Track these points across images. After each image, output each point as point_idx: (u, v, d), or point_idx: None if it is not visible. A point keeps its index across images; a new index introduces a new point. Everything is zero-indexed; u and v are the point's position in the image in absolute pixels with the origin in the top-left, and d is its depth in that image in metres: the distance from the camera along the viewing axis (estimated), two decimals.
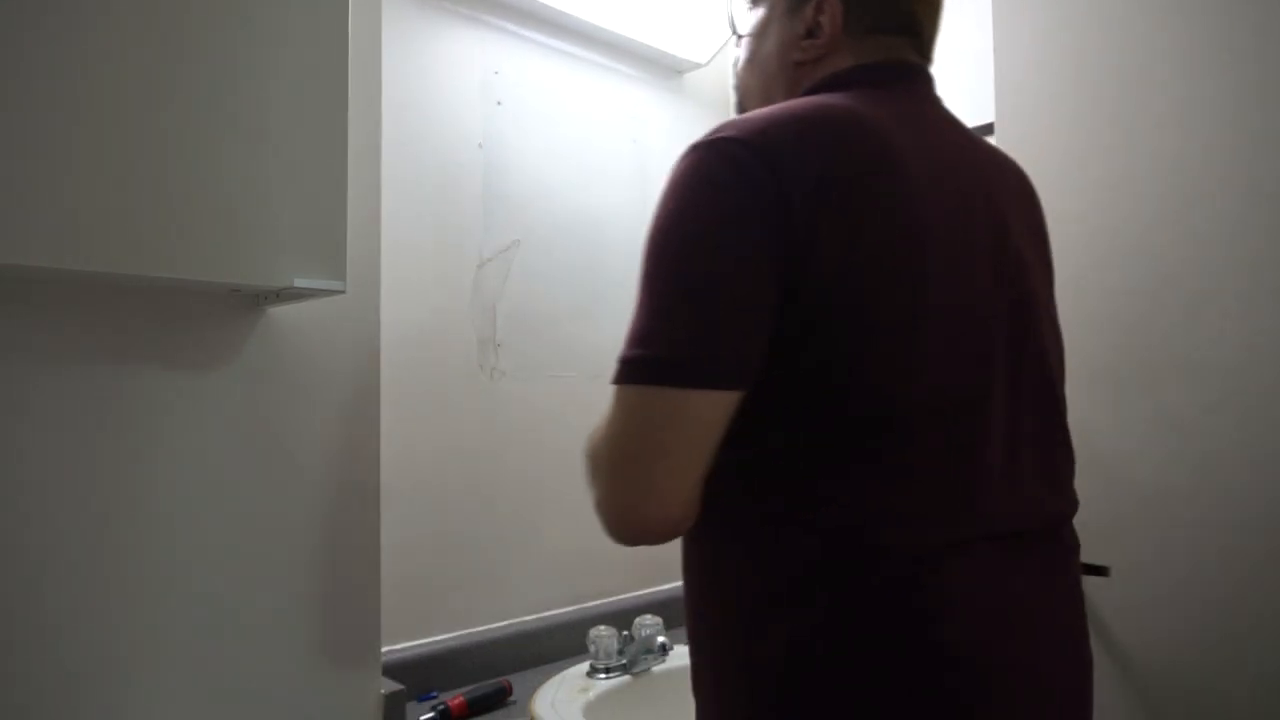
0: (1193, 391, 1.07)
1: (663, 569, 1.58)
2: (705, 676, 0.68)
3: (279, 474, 0.89)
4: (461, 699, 1.17)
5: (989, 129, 1.28)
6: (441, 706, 1.14)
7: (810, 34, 0.74)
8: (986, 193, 0.68)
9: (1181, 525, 1.07)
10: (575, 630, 1.40)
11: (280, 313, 0.90)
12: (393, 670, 1.14)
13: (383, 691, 0.97)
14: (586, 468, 0.66)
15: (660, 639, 1.30)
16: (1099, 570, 1.11)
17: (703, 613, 0.69)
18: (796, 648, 0.60)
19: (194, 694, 0.83)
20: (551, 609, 1.45)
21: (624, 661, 1.28)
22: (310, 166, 0.82)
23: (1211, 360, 1.05)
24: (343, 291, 0.84)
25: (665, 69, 1.71)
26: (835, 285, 0.59)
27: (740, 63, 0.83)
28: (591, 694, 1.21)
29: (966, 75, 1.35)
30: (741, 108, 0.84)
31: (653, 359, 0.60)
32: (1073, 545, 0.72)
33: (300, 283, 0.80)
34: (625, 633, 1.31)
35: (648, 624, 1.31)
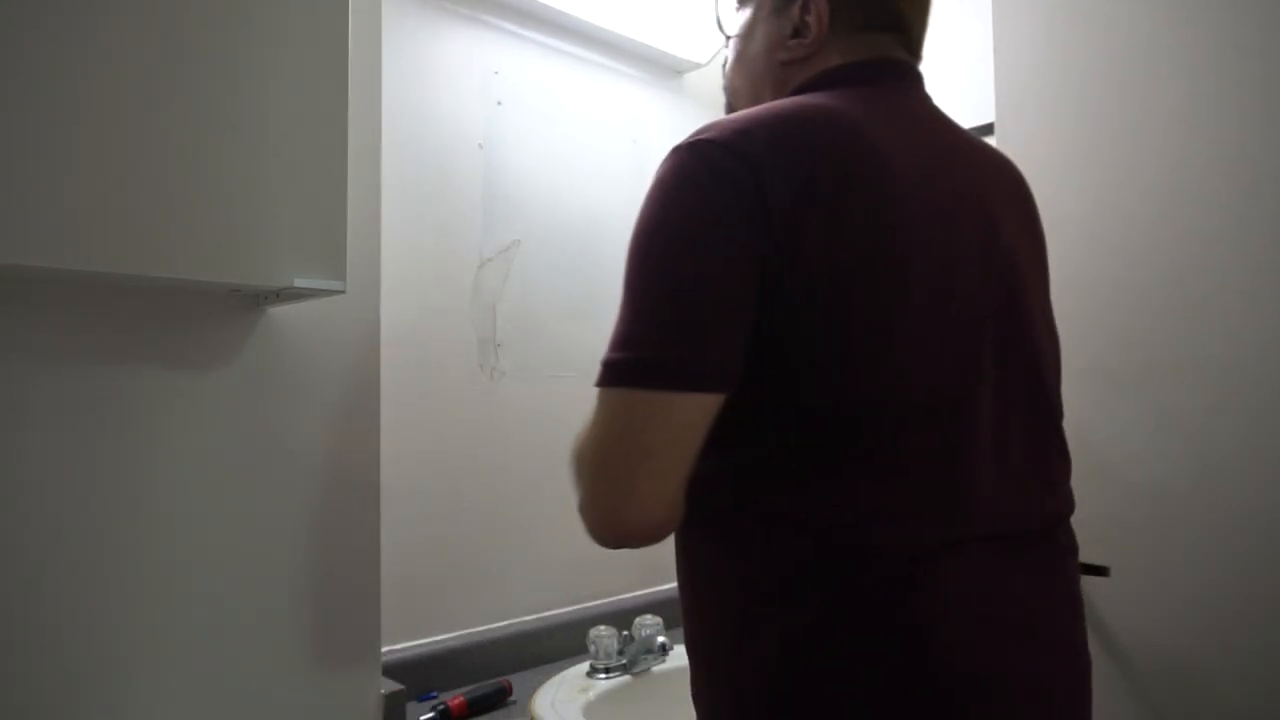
0: (1193, 391, 1.07)
1: (663, 569, 1.57)
2: (701, 678, 0.68)
3: (279, 474, 0.89)
4: (461, 699, 1.16)
5: (989, 129, 1.28)
6: (441, 706, 1.14)
7: (797, 33, 0.74)
8: (977, 191, 0.68)
9: (1181, 525, 1.07)
10: (575, 630, 1.39)
11: (280, 313, 0.90)
12: (393, 670, 1.14)
13: (383, 691, 0.97)
14: (571, 470, 0.66)
15: (660, 639, 1.30)
16: (1099, 570, 1.11)
17: (696, 614, 0.69)
18: (788, 648, 0.60)
19: (194, 694, 0.83)
20: (551, 609, 1.45)
21: (624, 661, 1.28)
22: (310, 166, 0.82)
23: (1211, 360, 1.05)
24: (343, 291, 0.84)
25: (665, 69, 1.71)
26: (819, 286, 0.59)
27: (728, 63, 0.83)
28: (591, 694, 1.20)
29: (966, 75, 1.35)
30: (731, 108, 0.84)
31: (635, 361, 0.60)
32: (1068, 546, 0.72)
33: (300, 283, 0.80)
34: (625, 633, 1.31)
35: (648, 624, 1.31)
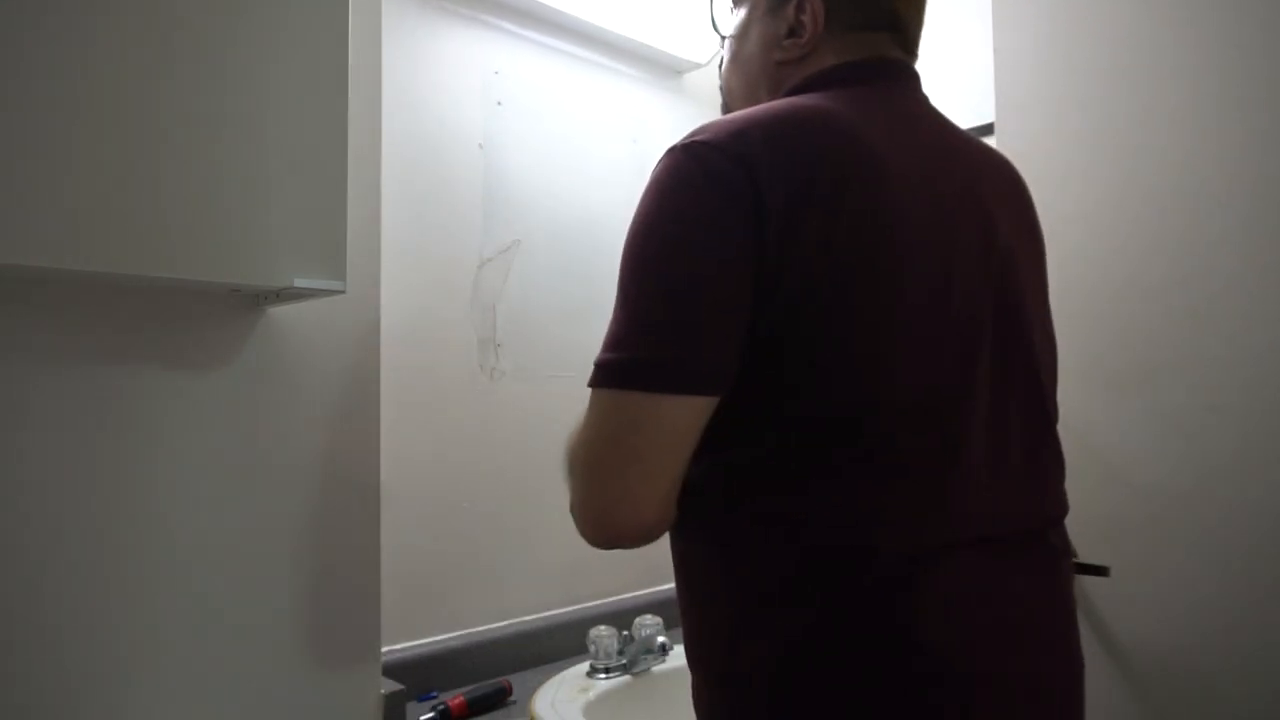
0: (1193, 392, 1.07)
1: (663, 569, 1.56)
2: (699, 679, 0.68)
3: (279, 474, 0.89)
4: (461, 699, 1.16)
5: (989, 129, 1.28)
6: (441, 706, 1.14)
7: (792, 33, 0.74)
8: (974, 191, 0.68)
9: (1181, 525, 1.07)
10: (575, 630, 1.39)
11: (280, 313, 0.90)
12: (393, 670, 1.14)
13: (383, 691, 0.97)
14: (563, 470, 0.66)
15: (660, 639, 1.30)
16: (1099, 570, 1.11)
17: (693, 615, 0.69)
18: (785, 649, 0.60)
19: (194, 694, 0.83)
20: (551, 609, 1.45)
21: (624, 661, 1.28)
22: (310, 166, 0.82)
23: (1212, 361, 1.05)
24: (343, 291, 0.84)
25: (665, 69, 1.71)
26: (817, 287, 0.58)
27: (724, 63, 0.83)
28: (591, 694, 1.20)
29: (966, 75, 1.35)
30: (727, 109, 0.84)
31: (627, 363, 0.60)
32: (1062, 548, 0.72)
33: (300, 283, 0.80)
34: (625, 633, 1.31)
35: (648, 624, 1.31)
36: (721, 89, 0.85)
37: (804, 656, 0.60)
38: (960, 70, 1.39)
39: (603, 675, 1.26)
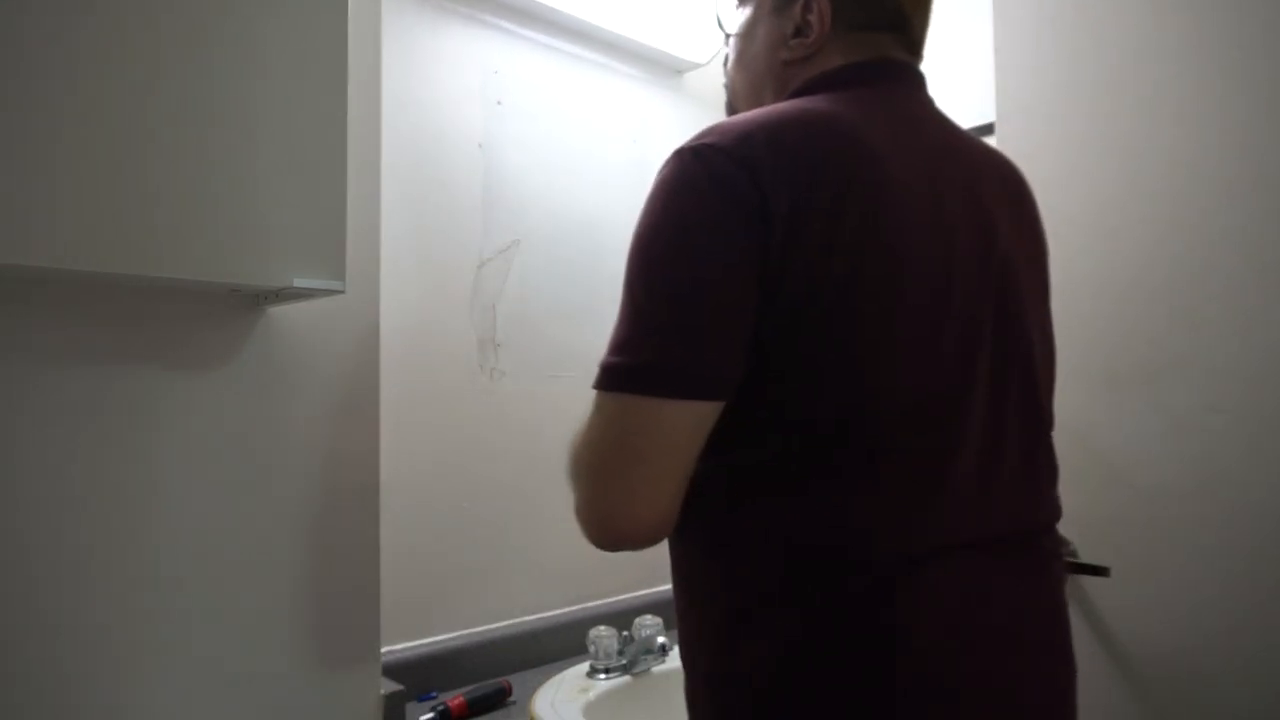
0: (1193, 392, 1.07)
1: (663, 570, 1.56)
2: (692, 678, 0.68)
3: (278, 474, 0.89)
4: (461, 699, 1.16)
5: (989, 129, 1.28)
6: (441, 706, 1.14)
7: (799, 32, 0.74)
8: (975, 193, 0.68)
9: (1181, 525, 1.07)
10: (575, 630, 1.39)
11: (280, 313, 0.90)
12: (393, 670, 1.14)
13: (383, 691, 0.97)
14: (567, 472, 0.66)
15: (660, 639, 1.30)
16: (1099, 570, 1.10)
17: (693, 617, 0.69)
18: (786, 649, 0.60)
19: (194, 694, 0.83)
20: (551, 609, 1.45)
21: (624, 662, 1.28)
22: (310, 166, 0.82)
23: (1213, 361, 1.05)
24: (342, 291, 0.84)
25: (665, 69, 1.71)
26: (819, 291, 0.59)
27: (729, 62, 0.83)
28: (591, 694, 1.20)
29: (966, 75, 1.35)
30: (731, 108, 0.83)
31: (632, 367, 0.60)
32: (1054, 551, 0.72)
33: (300, 283, 0.80)
34: (625, 633, 1.31)
35: (648, 624, 1.31)
36: (726, 87, 0.85)
37: (801, 657, 0.60)
38: (960, 70, 1.39)
39: (603, 675, 1.26)
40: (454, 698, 1.16)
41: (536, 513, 1.43)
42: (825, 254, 0.58)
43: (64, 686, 0.75)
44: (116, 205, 0.71)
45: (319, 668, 0.91)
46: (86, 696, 0.77)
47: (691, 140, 0.63)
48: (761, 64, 0.77)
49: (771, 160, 0.59)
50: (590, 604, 1.49)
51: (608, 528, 0.62)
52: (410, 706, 1.08)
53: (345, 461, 0.94)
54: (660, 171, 0.63)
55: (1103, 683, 1.12)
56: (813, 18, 0.73)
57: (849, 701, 0.59)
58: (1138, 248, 1.12)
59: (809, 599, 0.60)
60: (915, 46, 0.76)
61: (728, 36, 0.83)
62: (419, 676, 1.21)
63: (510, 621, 1.39)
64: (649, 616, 1.33)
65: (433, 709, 1.14)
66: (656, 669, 1.29)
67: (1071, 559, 1.12)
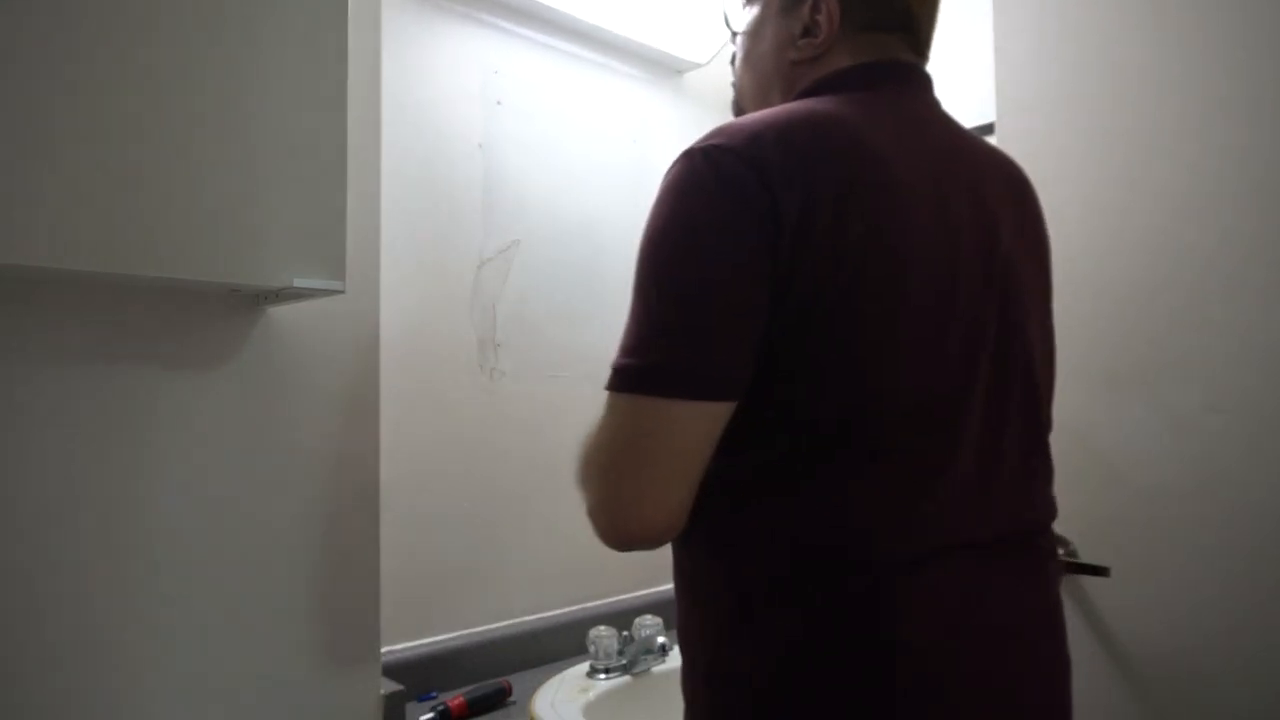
0: (1193, 391, 1.07)
1: (663, 570, 1.56)
2: (698, 680, 0.69)
3: (278, 474, 0.89)
4: (461, 699, 1.16)
5: (989, 129, 1.28)
6: (441, 706, 1.14)
7: (807, 33, 0.74)
8: (979, 194, 0.68)
9: (1181, 525, 1.07)
10: (575, 630, 1.39)
11: (280, 313, 0.90)
12: (393, 670, 1.14)
13: (383, 691, 0.97)
14: (578, 473, 0.66)
15: (660, 639, 1.30)
16: (1099, 570, 1.10)
17: (696, 616, 0.69)
18: (787, 649, 0.61)
19: (194, 694, 0.83)
20: (551, 609, 1.45)
21: (624, 662, 1.28)
22: (310, 166, 0.82)
23: (1213, 361, 1.05)
24: (342, 291, 0.84)
25: (665, 69, 1.71)
26: (825, 292, 0.59)
27: (736, 61, 0.83)
28: (591, 694, 1.20)
29: (966, 75, 1.35)
30: (738, 107, 0.83)
31: (643, 368, 0.60)
32: (1049, 551, 0.72)
33: (299, 283, 0.80)
34: (625, 633, 1.31)
35: (648, 624, 1.31)
36: (734, 85, 0.85)
37: (801, 657, 0.60)
38: (960, 70, 1.39)
39: (603, 675, 1.26)
40: (454, 698, 1.16)
41: (537, 512, 1.43)
42: (831, 256, 0.59)
43: (62, 686, 0.75)
44: (116, 205, 0.71)
45: (319, 668, 0.91)
46: (86, 697, 0.77)
47: (700, 141, 0.63)
48: (769, 64, 0.77)
49: (781, 161, 0.59)
50: (590, 604, 1.49)
51: (620, 528, 0.63)
52: (410, 706, 1.08)
53: (345, 461, 0.94)
54: (668, 172, 0.63)
55: (1103, 683, 1.12)
56: (821, 18, 0.72)
57: (849, 701, 0.59)
58: (1138, 247, 1.12)
59: (810, 599, 0.60)
60: (922, 47, 0.76)
61: (734, 34, 0.83)
62: (419, 676, 1.21)
63: (510, 621, 1.39)
64: (649, 616, 1.33)
65: (433, 709, 1.14)
66: (656, 669, 1.29)
67: (1071, 559, 1.12)
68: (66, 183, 0.68)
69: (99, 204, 0.70)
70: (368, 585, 0.96)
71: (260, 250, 0.78)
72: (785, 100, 0.74)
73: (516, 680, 1.26)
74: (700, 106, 1.76)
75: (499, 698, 1.21)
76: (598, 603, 1.50)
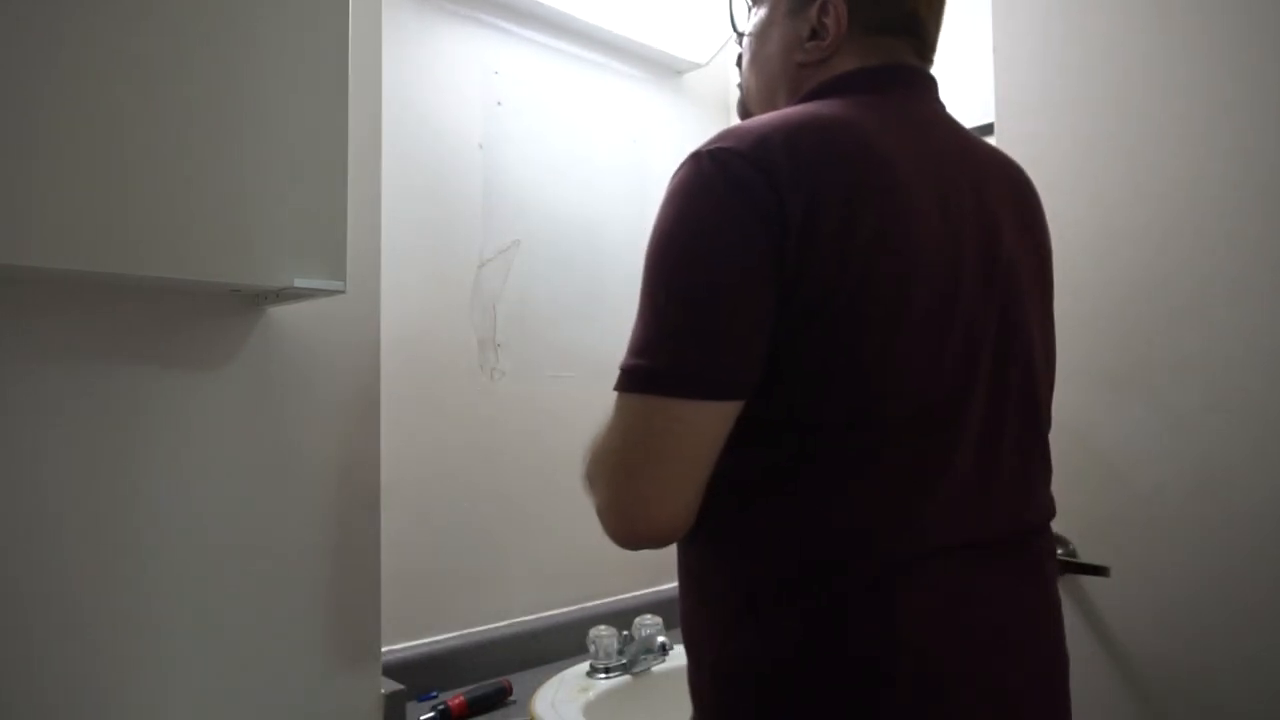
0: (1193, 391, 1.07)
1: (663, 569, 1.57)
2: (704, 678, 0.69)
3: (279, 474, 0.89)
4: (461, 699, 1.17)
5: (989, 129, 1.28)
6: (441, 706, 1.14)
7: (815, 35, 0.74)
8: (981, 196, 0.68)
9: (1182, 526, 1.07)
10: (575, 630, 1.39)
11: (280, 313, 0.90)
12: (393, 670, 1.14)
13: (383, 691, 0.97)
14: (586, 473, 0.66)
15: (660, 639, 1.30)
16: (1099, 570, 1.11)
17: (702, 614, 0.69)
18: (790, 647, 0.61)
19: (194, 694, 0.83)
20: (551, 609, 1.45)
21: (624, 661, 1.28)
22: (310, 166, 0.82)
23: (1213, 361, 1.05)
24: (343, 291, 0.84)
25: (665, 69, 1.71)
26: (831, 294, 0.59)
27: (743, 62, 0.83)
28: (591, 694, 1.21)
29: (966, 75, 1.35)
30: (743, 108, 0.84)
31: (652, 369, 0.61)
32: (1047, 551, 0.73)
33: (300, 283, 0.80)
34: (625, 633, 1.31)
35: (648, 624, 1.31)
36: (740, 86, 0.85)
37: (803, 655, 0.60)
38: (960, 70, 1.39)
39: (603, 675, 1.26)
40: (454, 697, 1.17)
41: (537, 512, 1.43)
42: (838, 259, 0.59)
43: (62, 687, 0.75)
44: (116, 205, 0.71)
45: (319, 668, 0.92)
46: (85, 697, 0.77)
47: (707, 144, 0.63)
48: (776, 65, 0.77)
49: (788, 164, 0.59)
50: (590, 604, 1.49)
51: (630, 527, 0.63)
52: (410, 706, 1.08)
53: (346, 461, 0.95)
54: (676, 174, 0.64)
55: (1102, 682, 1.12)
56: (829, 20, 0.72)
57: (849, 700, 0.59)
58: (1138, 248, 1.12)
59: (811, 598, 0.61)
60: (927, 51, 0.76)
61: (740, 36, 0.83)
62: (419, 676, 1.21)
63: (510, 621, 1.39)
64: (649, 616, 1.33)
65: (433, 709, 1.14)
66: (656, 669, 1.29)
67: (1071, 559, 1.12)
68: (66, 183, 0.68)
69: (98, 204, 0.70)
70: (368, 585, 0.96)
71: (260, 250, 0.78)
72: (791, 102, 0.74)
73: (516, 680, 1.27)
74: (700, 107, 1.76)
75: (499, 697, 1.21)
76: (598, 602, 1.50)
